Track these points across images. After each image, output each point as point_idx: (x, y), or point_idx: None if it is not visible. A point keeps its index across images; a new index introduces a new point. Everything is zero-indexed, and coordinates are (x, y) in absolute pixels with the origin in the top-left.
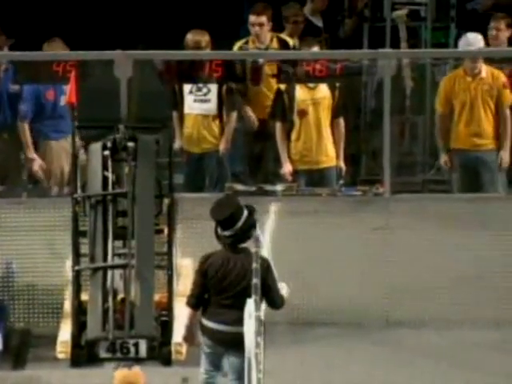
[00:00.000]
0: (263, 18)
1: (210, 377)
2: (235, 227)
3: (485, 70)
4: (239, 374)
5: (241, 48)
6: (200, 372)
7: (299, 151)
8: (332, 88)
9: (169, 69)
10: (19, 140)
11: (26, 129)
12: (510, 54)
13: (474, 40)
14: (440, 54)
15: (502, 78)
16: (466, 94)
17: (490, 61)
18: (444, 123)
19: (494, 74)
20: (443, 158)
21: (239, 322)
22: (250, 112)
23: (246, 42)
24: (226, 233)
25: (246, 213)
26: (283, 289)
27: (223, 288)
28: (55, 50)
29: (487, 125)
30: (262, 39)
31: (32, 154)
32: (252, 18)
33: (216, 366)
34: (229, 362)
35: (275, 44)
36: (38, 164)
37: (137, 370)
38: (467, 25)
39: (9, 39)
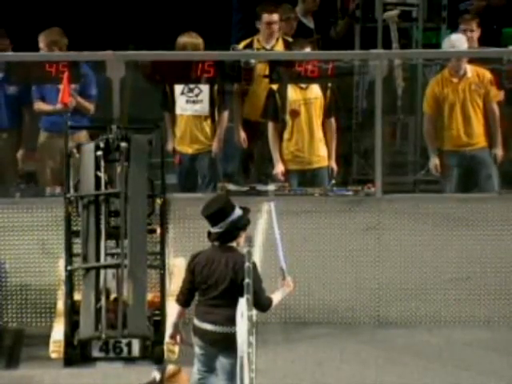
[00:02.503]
0: (276, 17)
1: (202, 377)
2: (223, 223)
3: (470, 69)
4: (229, 375)
5: (245, 48)
6: (193, 372)
7: (291, 151)
8: (324, 88)
9: (160, 70)
10: (14, 140)
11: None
12: (496, 55)
13: (457, 41)
14: (431, 54)
15: (488, 75)
16: (455, 96)
17: (474, 61)
18: (432, 125)
19: (479, 72)
20: (433, 162)
21: (228, 321)
22: (241, 132)
23: (251, 42)
24: (214, 229)
25: (238, 211)
26: (288, 287)
27: (208, 287)
28: (51, 38)
29: (478, 124)
30: (273, 38)
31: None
32: (266, 17)
33: (209, 366)
34: (219, 362)
35: (280, 44)
36: None
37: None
38: (459, 25)
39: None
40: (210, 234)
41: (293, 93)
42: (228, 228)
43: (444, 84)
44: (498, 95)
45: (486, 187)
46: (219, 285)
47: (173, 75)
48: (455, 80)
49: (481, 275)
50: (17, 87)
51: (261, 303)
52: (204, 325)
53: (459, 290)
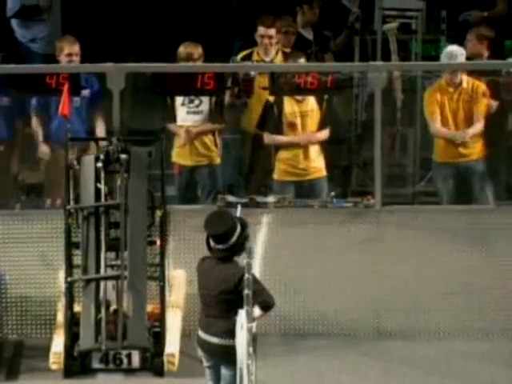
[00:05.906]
0: (272, 31)
1: None
2: (229, 242)
3: (466, 80)
4: None
5: (243, 59)
6: None
7: (288, 163)
8: (320, 100)
9: (161, 81)
10: (12, 152)
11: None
12: (493, 67)
13: (456, 52)
14: (430, 66)
15: (482, 86)
16: (450, 105)
17: (472, 73)
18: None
19: (474, 83)
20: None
21: (224, 333)
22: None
23: (250, 53)
24: (220, 246)
25: (239, 227)
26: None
27: (204, 296)
28: (65, 45)
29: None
30: (269, 52)
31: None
32: (261, 30)
33: (219, 377)
34: (221, 373)
35: (280, 57)
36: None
37: None
38: (458, 37)
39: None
40: (211, 248)
41: (289, 105)
42: (231, 247)
43: (440, 93)
44: (490, 107)
45: (479, 200)
46: (213, 296)
47: (173, 86)
48: (451, 89)
49: (479, 287)
50: (10, 98)
51: (268, 302)
52: (205, 336)
53: (458, 302)
